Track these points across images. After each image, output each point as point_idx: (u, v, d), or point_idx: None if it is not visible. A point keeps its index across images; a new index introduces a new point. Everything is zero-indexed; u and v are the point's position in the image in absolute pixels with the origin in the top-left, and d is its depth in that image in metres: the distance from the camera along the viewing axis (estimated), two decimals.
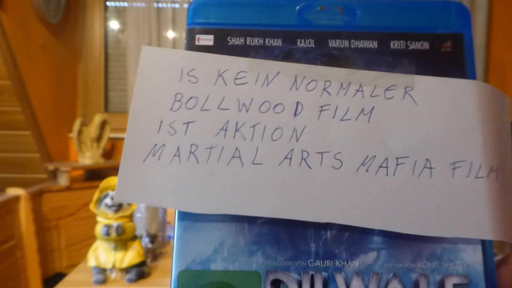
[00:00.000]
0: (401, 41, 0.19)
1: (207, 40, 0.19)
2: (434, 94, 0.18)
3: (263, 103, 0.18)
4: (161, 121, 0.18)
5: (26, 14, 1.54)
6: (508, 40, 1.80)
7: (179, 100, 0.18)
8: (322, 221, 0.17)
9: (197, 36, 0.19)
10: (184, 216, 0.18)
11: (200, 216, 0.18)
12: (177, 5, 1.90)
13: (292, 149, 0.18)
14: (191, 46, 0.19)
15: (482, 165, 0.18)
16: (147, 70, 0.19)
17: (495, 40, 1.81)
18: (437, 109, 0.18)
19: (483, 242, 0.17)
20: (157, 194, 0.18)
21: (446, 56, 0.19)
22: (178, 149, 0.18)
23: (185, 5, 1.89)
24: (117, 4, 1.95)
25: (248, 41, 0.19)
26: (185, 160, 0.18)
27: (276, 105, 0.18)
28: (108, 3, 1.94)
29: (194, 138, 0.18)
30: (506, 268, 0.18)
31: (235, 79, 0.19)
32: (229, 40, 0.19)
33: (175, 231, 0.18)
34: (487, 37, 1.81)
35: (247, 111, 0.18)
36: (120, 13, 1.95)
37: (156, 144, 0.18)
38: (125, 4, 1.92)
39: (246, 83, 0.19)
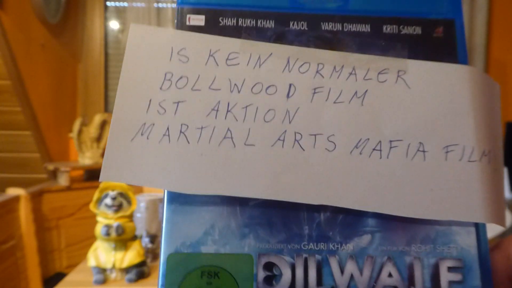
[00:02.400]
0: (394, 26, 0.19)
1: (198, 20, 0.19)
2: (426, 78, 0.18)
3: (255, 84, 0.18)
4: (150, 100, 0.18)
5: (26, 14, 1.54)
6: (508, 40, 1.80)
7: (169, 79, 0.18)
8: (316, 203, 0.17)
9: (188, 15, 0.19)
10: (174, 198, 0.17)
11: (190, 197, 0.17)
12: None
13: (285, 131, 0.18)
14: (182, 26, 0.19)
15: (475, 149, 0.18)
16: (136, 48, 0.19)
17: (495, 40, 1.82)
18: (429, 93, 0.18)
19: (476, 226, 0.17)
20: (146, 174, 0.17)
21: (438, 41, 0.19)
22: (167, 128, 0.18)
23: None
24: (117, 4, 1.95)
25: (240, 22, 0.19)
26: (175, 140, 0.17)
27: (268, 87, 0.18)
28: (108, 3, 1.94)
29: (185, 118, 0.18)
30: (500, 253, 0.18)
31: (227, 59, 0.18)
32: (220, 20, 0.19)
33: (164, 213, 0.17)
34: (487, 37, 1.81)
35: (239, 92, 0.18)
36: (120, 13, 1.95)
37: (145, 123, 0.18)
38: (125, 4, 1.92)
39: (238, 64, 0.18)
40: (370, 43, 0.19)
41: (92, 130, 1.63)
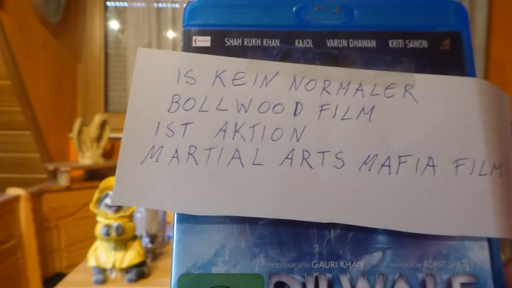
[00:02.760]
0: (400, 40, 0.19)
1: (204, 41, 0.19)
2: (434, 92, 0.18)
3: (262, 104, 0.18)
4: (159, 123, 0.18)
5: (26, 14, 1.54)
6: (508, 40, 1.80)
7: (176, 102, 0.18)
8: (325, 221, 0.17)
9: (194, 37, 0.19)
10: (184, 219, 0.17)
11: (200, 218, 0.17)
12: (177, 5, 1.90)
13: (293, 149, 0.18)
14: (188, 47, 0.19)
15: (485, 162, 0.17)
16: (143, 72, 0.19)
17: (495, 40, 1.82)
18: (438, 107, 0.18)
19: (489, 240, 0.17)
20: (156, 197, 0.17)
21: (445, 54, 0.19)
22: (176, 150, 0.18)
23: (185, 5, 1.89)
24: (117, 4, 1.95)
25: (245, 42, 0.19)
26: (184, 162, 0.18)
27: (275, 105, 0.18)
28: (108, 3, 1.94)
29: (193, 139, 0.18)
30: None
31: (233, 79, 0.18)
32: (226, 41, 0.19)
33: (174, 234, 0.17)
34: (487, 37, 1.81)
35: (246, 111, 0.18)
36: (120, 13, 1.95)
37: (154, 146, 0.18)
38: (125, 4, 1.92)
39: (245, 83, 0.18)
40: (376, 58, 0.19)
41: (92, 130, 1.63)
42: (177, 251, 0.17)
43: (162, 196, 0.17)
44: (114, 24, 1.97)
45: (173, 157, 0.18)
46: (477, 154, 0.18)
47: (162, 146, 0.18)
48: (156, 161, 0.18)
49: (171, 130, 0.18)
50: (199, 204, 0.17)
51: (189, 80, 0.19)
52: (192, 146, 0.18)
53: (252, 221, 0.17)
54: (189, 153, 0.18)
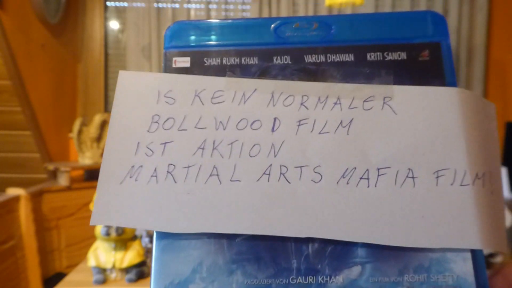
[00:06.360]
0: (378, 53, 0.19)
1: (184, 62, 0.20)
2: (413, 103, 0.18)
3: (240, 121, 0.18)
4: (138, 143, 0.18)
5: (26, 14, 1.54)
6: (508, 40, 1.80)
7: (156, 122, 0.19)
8: (303, 236, 0.17)
9: (173, 58, 0.20)
10: (163, 237, 0.18)
11: (179, 235, 0.17)
12: (177, 5, 1.90)
13: (271, 165, 0.18)
14: (168, 68, 0.20)
15: (467, 172, 0.17)
16: (125, 94, 0.19)
17: (495, 40, 1.81)
18: (417, 118, 0.18)
19: (473, 252, 0.17)
20: (135, 216, 0.18)
21: (424, 65, 0.19)
22: (155, 169, 0.18)
23: (185, 5, 1.90)
24: (117, 4, 1.95)
25: (224, 61, 0.20)
26: (163, 180, 0.18)
27: (253, 122, 0.18)
28: (108, 3, 1.94)
29: (172, 158, 0.18)
30: (501, 279, 0.17)
31: (212, 98, 0.19)
32: (205, 61, 0.20)
33: (153, 252, 0.18)
34: (487, 37, 1.81)
35: (224, 129, 0.18)
36: (120, 13, 1.95)
37: (133, 166, 0.18)
38: (125, 4, 1.92)
39: (223, 101, 0.19)
40: (355, 72, 0.19)
41: (92, 130, 1.62)
42: (155, 269, 0.17)
43: (141, 215, 0.18)
44: (114, 24, 1.97)
45: (152, 176, 0.18)
46: (458, 165, 0.17)
47: (141, 166, 0.18)
48: (136, 181, 0.18)
49: (151, 150, 0.18)
50: (177, 221, 0.17)
51: (169, 100, 0.19)
52: (171, 164, 0.18)
53: (230, 237, 0.17)
54: (167, 172, 0.18)
